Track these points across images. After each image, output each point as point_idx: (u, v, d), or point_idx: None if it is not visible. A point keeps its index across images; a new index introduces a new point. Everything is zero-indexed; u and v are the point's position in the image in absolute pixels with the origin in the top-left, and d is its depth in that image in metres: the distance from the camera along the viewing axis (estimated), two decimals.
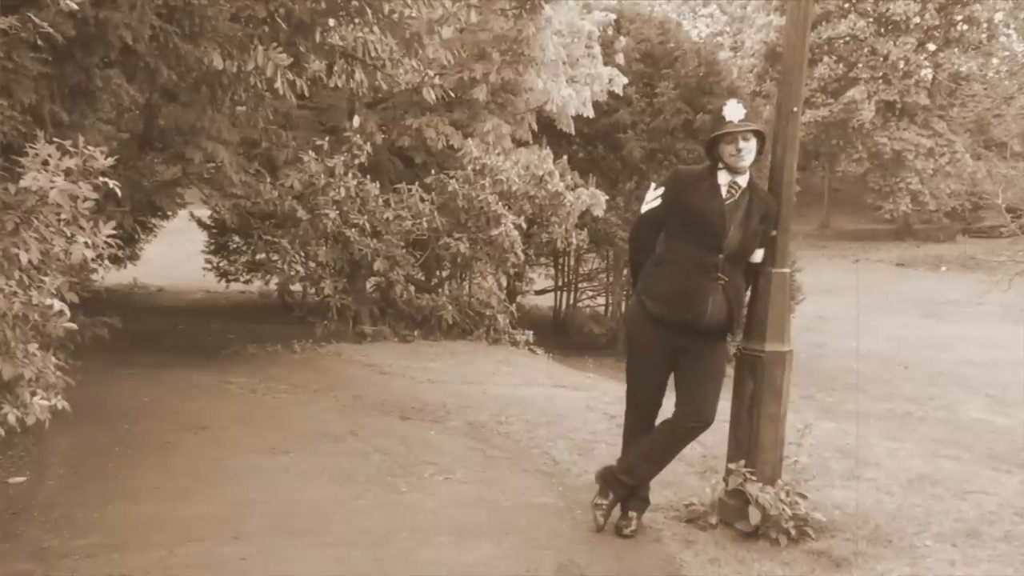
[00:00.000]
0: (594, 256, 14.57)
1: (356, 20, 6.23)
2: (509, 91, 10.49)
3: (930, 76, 31.56)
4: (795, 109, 3.78)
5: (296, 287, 9.60)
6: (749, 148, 3.62)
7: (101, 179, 3.32)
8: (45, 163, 3.20)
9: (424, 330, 9.14)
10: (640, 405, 3.87)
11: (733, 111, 3.63)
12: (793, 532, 3.64)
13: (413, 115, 10.19)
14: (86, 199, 3.26)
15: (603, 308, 14.97)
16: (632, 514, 3.82)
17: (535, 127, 10.98)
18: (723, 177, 3.66)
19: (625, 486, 3.80)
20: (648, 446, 3.80)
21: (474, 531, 3.76)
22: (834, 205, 35.45)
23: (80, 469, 4.45)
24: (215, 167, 8.21)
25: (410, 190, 9.02)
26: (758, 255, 3.76)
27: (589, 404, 6.31)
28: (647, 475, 3.82)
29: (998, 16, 31.31)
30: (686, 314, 3.63)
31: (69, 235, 3.32)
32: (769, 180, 3.86)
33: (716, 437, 4.05)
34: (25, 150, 3.28)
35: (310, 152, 8.73)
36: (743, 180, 3.66)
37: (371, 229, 8.72)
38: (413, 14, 6.44)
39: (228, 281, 12.57)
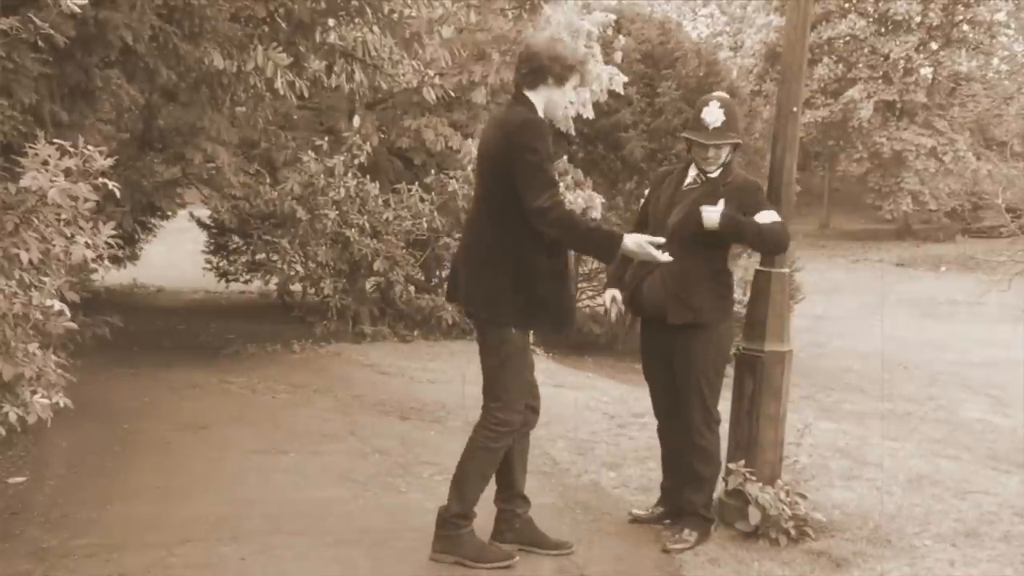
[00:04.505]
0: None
1: (356, 20, 6.24)
2: (508, 92, 10.48)
3: (930, 76, 31.55)
4: (795, 109, 3.79)
5: (296, 287, 9.59)
6: (718, 155, 3.65)
7: (101, 179, 3.32)
8: (45, 163, 3.20)
9: (424, 330, 9.13)
10: (655, 414, 3.92)
11: (711, 116, 3.62)
12: (793, 532, 3.64)
13: (412, 116, 10.19)
14: (86, 199, 3.26)
15: (603, 308, 14.95)
16: (690, 531, 3.71)
17: None
18: (693, 171, 3.73)
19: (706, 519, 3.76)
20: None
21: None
22: (834, 205, 35.44)
23: (80, 469, 4.44)
24: (215, 168, 8.22)
25: (410, 190, 9.02)
26: (768, 215, 3.58)
27: (589, 404, 6.31)
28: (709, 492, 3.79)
29: (999, 16, 31.29)
30: (631, 296, 3.71)
31: (69, 235, 3.32)
32: (769, 180, 3.86)
33: None
34: (25, 150, 3.28)
35: (310, 152, 8.73)
36: (713, 171, 3.69)
37: (371, 229, 8.71)
38: (413, 14, 6.45)
39: (228, 281, 12.55)
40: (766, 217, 3.59)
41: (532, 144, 3.13)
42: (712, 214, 3.54)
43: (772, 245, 3.66)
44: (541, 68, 3.24)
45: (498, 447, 3.34)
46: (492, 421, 3.32)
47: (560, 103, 3.32)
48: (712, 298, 3.63)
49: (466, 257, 3.37)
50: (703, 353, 3.63)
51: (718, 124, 3.60)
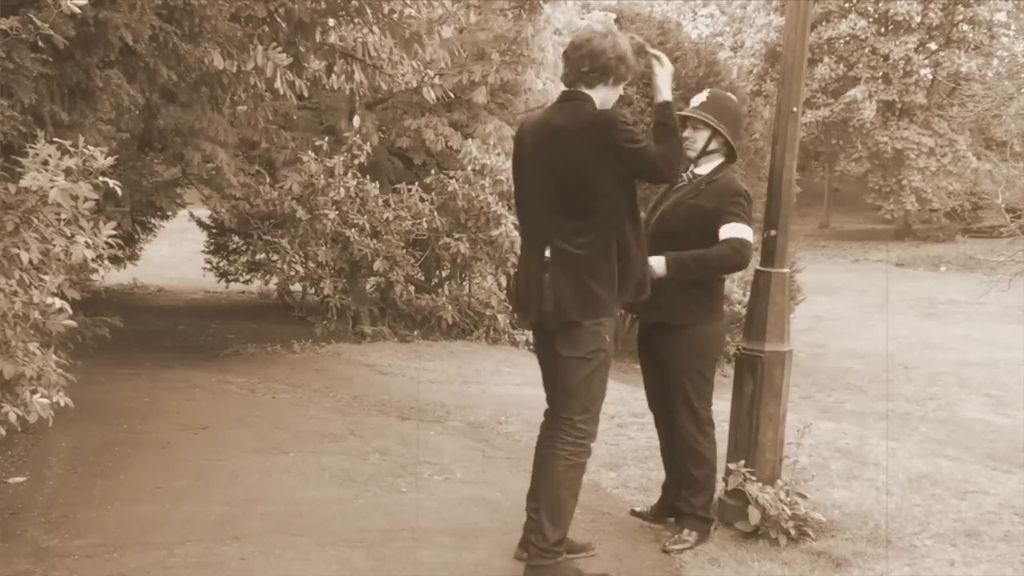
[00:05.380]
0: None
1: (356, 20, 6.24)
2: (508, 91, 10.50)
3: (929, 76, 31.56)
4: (795, 109, 3.79)
5: (296, 287, 9.60)
6: (694, 136, 3.66)
7: (101, 179, 3.32)
8: (45, 163, 3.21)
9: (424, 330, 9.14)
10: (649, 407, 3.92)
11: (695, 99, 3.71)
12: (793, 532, 3.64)
13: (412, 116, 10.21)
14: (86, 199, 3.27)
15: None
16: (690, 531, 3.71)
17: None
18: (689, 168, 3.74)
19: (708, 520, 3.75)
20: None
21: (474, 531, 3.76)
22: (834, 205, 35.48)
23: (80, 469, 4.44)
24: (215, 168, 8.23)
25: (410, 190, 9.03)
26: (728, 230, 3.53)
27: None
28: (707, 493, 3.77)
29: (999, 16, 31.30)
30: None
31: (69, 235, 3.33)
32: (769, 180, 3.86)
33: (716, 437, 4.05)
34: (25, 150, 3.28)
35: (309, 152, 8.74)
36: (703, 171, 3.69)
37: (371, 229, 8.72)
38: (413, 14, 6.45)
39: (228, 281, 12.57)
40: (729, 231, 3.52)
41: (626, 133, 3.09)
42: (658, 264, 3.50)
43: (725, 270, 3.62)
44: (606, 67, 3.16)
45: (585, 461, 3.24)
46: (578, 435, 3.19)
47: (612, 101, 3.25)
48: (686, 300, 3.59)
49: (549, 266, 3.15)
50: (683, 354, 3.62)
51: (696, 104, 3.68)
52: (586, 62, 3.16)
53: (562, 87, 3.30)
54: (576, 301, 3.12)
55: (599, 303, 3.14)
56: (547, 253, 3.15)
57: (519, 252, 3.41)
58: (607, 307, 3.18)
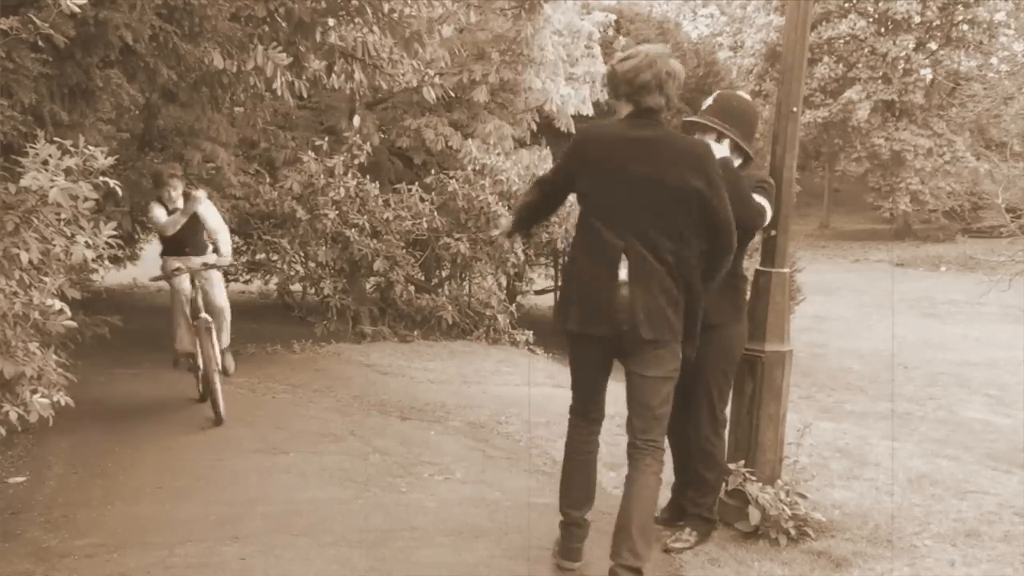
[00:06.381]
0: None
1: (356, 20, 6.24)
2: (508, 91, 10.51)
3: (929, 76, 31.55)
4: (795, 109, 3.79)
5: (296, 287, 9.60)
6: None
7: (101, 179, 3.32)
8: (45, 163, 3.20)
9: (424, 330, 9.14)
10: None
11: (704, 104, 3.70)
12: (793, 532, 3.64)
13: (412, 116, 10.22)
14: (86, 199, 3.26)
15: None
16: (691, 531, 3.72)
17: (535, 127, 10.99)
18: None
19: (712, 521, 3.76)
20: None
21: (474, 531, 3.76)
22: (834, 205, 35.47)
23: (80, 469, 4.45)
24: (215, 168, 8.24)
25: (410, 190, 9.03)
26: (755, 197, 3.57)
27: None
28: (714, 495, 3.78)
29: (999, 16, 31.29)
30: None
31: (69, 235, 3.32)
32: None
33: None
34: (25, 150, 3.28)
35: (309, 152, 8.74)
36: None
37: (371, 229, 8.72)
38: (413, 14, 6.45)
39: (228, 281, 12.56)
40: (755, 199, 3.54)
41: (716, 170, 3.14)
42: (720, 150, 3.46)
43: (750, 215, 3.52)
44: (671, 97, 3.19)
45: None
46: (661, 454, 3.23)
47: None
48: (717, 299, 3.54)
49: (630, 282, 3.10)
50: (711, 356, 3.57)
51: (703, 108, 3.67)
52: (670, 87, 3.14)
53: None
54: (662, 320, 3.11)
55: (678, 322, 3.16)
56: (628, 268, 3.10)
57: (575, 257, 3.30)
58: (681, 326, 3.20)
